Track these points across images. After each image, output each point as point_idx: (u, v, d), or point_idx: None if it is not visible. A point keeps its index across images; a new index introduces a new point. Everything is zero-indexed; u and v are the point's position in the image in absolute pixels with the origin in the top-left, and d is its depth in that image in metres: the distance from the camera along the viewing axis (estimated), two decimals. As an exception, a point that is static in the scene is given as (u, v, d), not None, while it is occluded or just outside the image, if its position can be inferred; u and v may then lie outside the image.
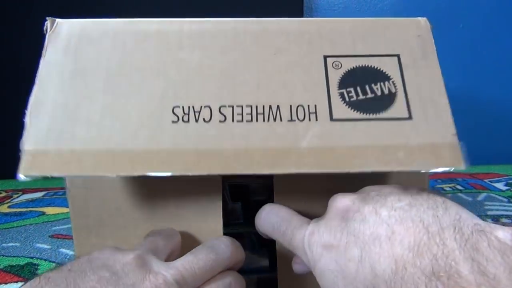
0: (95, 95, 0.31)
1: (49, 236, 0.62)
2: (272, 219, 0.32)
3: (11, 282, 0.47)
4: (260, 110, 0.30)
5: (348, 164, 0.28)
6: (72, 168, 0.28)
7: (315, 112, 0.30)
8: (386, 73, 0.33)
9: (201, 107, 0.30)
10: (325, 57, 0.33)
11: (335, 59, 0.33)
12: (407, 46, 0.34)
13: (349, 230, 0.24)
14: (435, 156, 0.29)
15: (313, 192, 0.35)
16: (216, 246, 0.31)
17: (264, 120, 0.30)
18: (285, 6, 1.05)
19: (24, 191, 0.90)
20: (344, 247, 0.24)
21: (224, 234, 0.36)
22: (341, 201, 0.27)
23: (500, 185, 0.84)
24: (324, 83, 0.32)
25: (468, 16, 1.05)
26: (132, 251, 0.27)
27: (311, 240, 0.27)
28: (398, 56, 0.33)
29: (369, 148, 0.29)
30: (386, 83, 0.32)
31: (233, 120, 0.30)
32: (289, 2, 1.07)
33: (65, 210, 0.75)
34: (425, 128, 0.30)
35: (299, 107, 0.30)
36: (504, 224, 0.31)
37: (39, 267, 0.51)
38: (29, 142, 0.30)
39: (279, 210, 0.33)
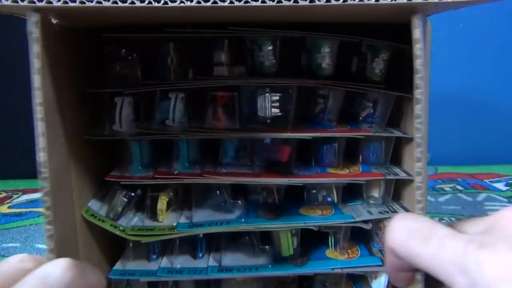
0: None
1: (49, 236, 0.62)
2: (409, 224, 0.24)
3: (11, 282, 0.47)
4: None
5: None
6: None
7: None
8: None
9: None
10: None
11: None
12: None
13: None
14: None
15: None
16: (49, 274, 0.23)
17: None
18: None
19: (24, 192, 0.90)
20: None
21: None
22: None
23: (500, 185, 0.84)
24: None
25: (468, 16, 1.05)
26: None
27: (482, 256, 0.19)
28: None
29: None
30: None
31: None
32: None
33: (65, 210, 0.76)
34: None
35: None
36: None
37: (39, 267, 0.51)
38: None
39: (418, 217, 0.24)
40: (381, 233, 0.43)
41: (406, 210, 0.42)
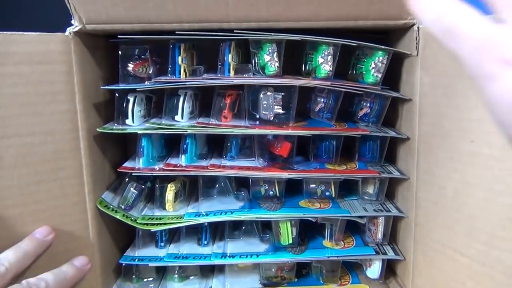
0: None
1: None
2: None
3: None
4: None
5: None
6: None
7: None
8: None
9: None
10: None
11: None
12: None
13: None
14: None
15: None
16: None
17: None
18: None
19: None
20: None
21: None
22: None
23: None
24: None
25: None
26: None
27: None
28: None
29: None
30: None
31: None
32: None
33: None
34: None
35: None
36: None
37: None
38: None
39: None
40: (373, 229, 0.45)
41: (399, 209, 0.44)
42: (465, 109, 0.33)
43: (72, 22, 0.38)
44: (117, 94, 0.43)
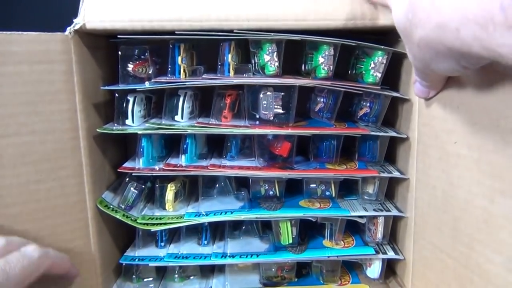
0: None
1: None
2: None
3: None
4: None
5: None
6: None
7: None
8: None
9: None
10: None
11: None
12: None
13: None
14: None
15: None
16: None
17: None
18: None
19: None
20: None
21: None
22: None
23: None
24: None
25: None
26: None
27: None
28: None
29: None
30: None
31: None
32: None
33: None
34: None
35: None
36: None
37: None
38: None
39: None
40: (373, 229, 0.45)
41: (399, 209, 0.44)
42: (450, 110, 0.33)
43: (75, 20, 0.38)
44: (116, 95, 0.43)
